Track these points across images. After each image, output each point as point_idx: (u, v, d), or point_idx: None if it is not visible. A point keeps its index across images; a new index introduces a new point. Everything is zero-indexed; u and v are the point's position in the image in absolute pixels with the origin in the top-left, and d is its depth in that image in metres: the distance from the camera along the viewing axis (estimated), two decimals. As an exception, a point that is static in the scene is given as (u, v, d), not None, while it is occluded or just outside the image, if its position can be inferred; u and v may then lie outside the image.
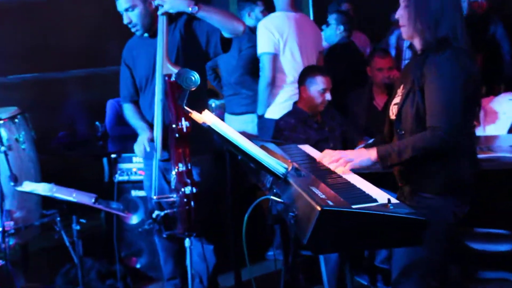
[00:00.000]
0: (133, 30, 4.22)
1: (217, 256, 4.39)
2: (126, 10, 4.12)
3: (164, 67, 3.89)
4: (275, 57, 5.34)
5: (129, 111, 4.43)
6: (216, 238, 4.37)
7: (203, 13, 3.96)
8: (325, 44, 6.36)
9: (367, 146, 3.38)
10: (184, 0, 3.95)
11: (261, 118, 5.50)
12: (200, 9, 3.95)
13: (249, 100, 5.70)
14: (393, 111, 3.17)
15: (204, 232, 4.18)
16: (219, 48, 4.14)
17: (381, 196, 2.59)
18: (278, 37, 5.30)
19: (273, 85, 5.39)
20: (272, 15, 5.49)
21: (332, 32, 6.43)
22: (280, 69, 5.40)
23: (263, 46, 5.28)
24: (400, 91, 3.15)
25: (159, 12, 3.98)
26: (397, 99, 3.15)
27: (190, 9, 3.94)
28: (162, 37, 3.96)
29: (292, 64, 5.40)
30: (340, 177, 2.92)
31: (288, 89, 5.41)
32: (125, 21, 4.16)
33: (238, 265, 3.40)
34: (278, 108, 5.35)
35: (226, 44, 4.14)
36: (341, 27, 6.34)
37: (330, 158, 3.08)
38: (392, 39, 7.00)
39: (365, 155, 3.02)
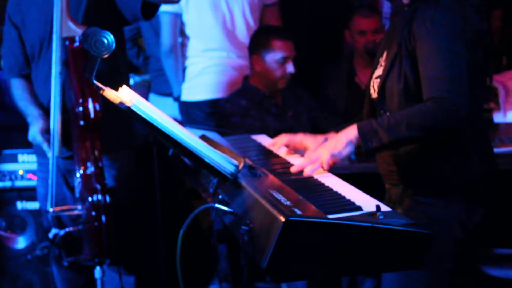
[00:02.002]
0: None
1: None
2: None
3: (64, 27, 3.86)
4: (175, 18, 5.42)
5: (17, 89, 4.37)
6: (139, 266, 4.38)
7: None
8: None
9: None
10: None
11: (178, 101, 5.60)
12: None
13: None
14: (374, 87, 3.21)
15: (122, 258, 4.19)
16: (138, 12, 4.10)
17: (367, 202, 2.61)
18: None
19: (176, 54, 5.49)
20: None
21: None
22: (185, 32, 5.50)
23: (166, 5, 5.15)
24: (382, 61, 3.19)
25: None
26: (379, 71, 3.19)
27: None
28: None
29: (201, 25, 5.46)
30: (311, 177, 2.94)
31: (199, 59, 5.48)
32: None
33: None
34: (191, 85, 5.47)
35: (150, 7, 4.11)
36: None
37: (303, 159, 3.07)
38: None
39: (342, 139, 2.96)
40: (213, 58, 5.40)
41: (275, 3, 5.72)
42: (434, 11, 2.94)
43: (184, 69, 5.52)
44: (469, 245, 3.14)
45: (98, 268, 3.75)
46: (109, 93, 2.86)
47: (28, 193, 4.87)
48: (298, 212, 2.40)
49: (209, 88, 5.38)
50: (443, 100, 2.84)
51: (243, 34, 5.41)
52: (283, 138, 3.34)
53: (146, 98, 5.79)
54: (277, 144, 3.32)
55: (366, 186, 2.89)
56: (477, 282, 4.36)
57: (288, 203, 2.50)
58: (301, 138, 3.31)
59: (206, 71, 5.39)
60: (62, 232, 3.82)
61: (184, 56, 5.52)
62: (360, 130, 2.91)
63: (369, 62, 5.29)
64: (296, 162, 3.07)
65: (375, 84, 3.20)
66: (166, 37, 5.43)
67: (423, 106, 2.88)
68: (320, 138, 3.27)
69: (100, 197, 3.67)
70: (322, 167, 2.99)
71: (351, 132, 2.94)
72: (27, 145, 4.37)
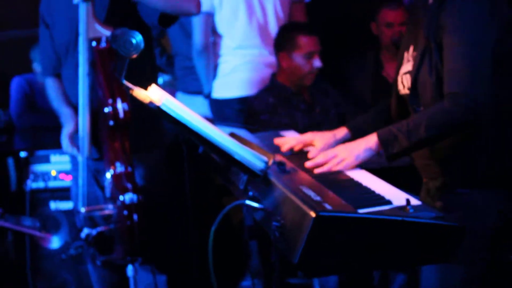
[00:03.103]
0: None
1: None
2: None
3: (90, 29, 3.86)
4: (207, 17, 5.40)
5: (51, 89, 4.38)
6: (171, 265, 4.37)
7: None
8: None
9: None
10: None
11: (209, 98, 5.59)
12: None
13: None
14: (403, 83, 3.17)
15: (153, 256, 4.19)
16: (156, 22, 4.12)
17: (397, 196, 2.58)
18: None
19: (208, 52, 5.47)
20: None
21: None
22: (221, 30, 5.48)
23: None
24: (409, 56, 3.17)
25: None
26: (407, 66, 3.15)
27: None
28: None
29: (233, 23, 5.45)
30: (340, 172, 2.92)
31: (232, 57, 5.48)
32: None
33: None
34: (224, 83, 5.46)
35: (169, 17, 4.11)
36: None
37: (322, 155, 3.05)
38: None
39: (361, 145, 2.98)
40: (245, 56, 5.40)
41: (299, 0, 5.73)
42: (463, 2, 2.90)
43: (215, 67, 5.50)
44: (508, 235, 3.09)
45: (130, 267, 3.75)
46: (139, 92, 2.86)
47: (61, 193, 4.88)
48: (328, 207, 2.37)
49: (241, 85, 5.38)
50: (460, 96, 2.81)
51: (274, 31, 5.39)
52: (291, 139, 3.33)
53: (173, 96, 5.80)
54: (285, 146, 3.30)
55: (399, 180, 2.85)
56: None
57: (318, 198, 2.47)
58: (311, 136, 3.31)
59: (238, 69, 5.40)
60: (94, 232, 3.82)
61: (215, 55, 5.50)
62: (380, 137, 2.92)
63: (395, 55, 5.27)
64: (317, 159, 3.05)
65: (403, 80, 3.16)
66: (198, 36, 5.42)
67: (440, 104, 2.86)
68: (329, 134, 3.29)
69: (131, 196, 3.66)
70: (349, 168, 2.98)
71: (371, 140, 2.96)
72: (59, 146, 4.36)
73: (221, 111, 5.36)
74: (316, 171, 2.98)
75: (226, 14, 5.41)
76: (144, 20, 4.13)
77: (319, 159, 3.01)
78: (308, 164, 3.02)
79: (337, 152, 3.00)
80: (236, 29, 5.42)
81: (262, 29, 5.43)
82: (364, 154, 2.96)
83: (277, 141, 3.28)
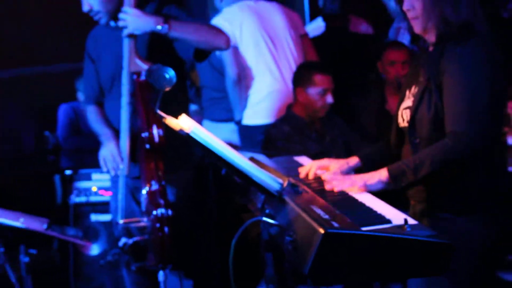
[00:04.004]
0: (95, 18, 4.21)
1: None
2: None
3: (131, 63, 3.89)
4: (235, 50, 5.41)
5: (92, 114, 4.40)
6: (197, 271, 4.37)
7: (175, 33, 3.96)
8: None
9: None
10: (151, 18, 3.95)
11: (239, 125, 5.58)
12: (171, 28, 3.93)
13: (233, 104, 5.73)
14: (403, 117, 3.18)
15: (182, 264, 4.19)
16: (190, 57, 4.19)
17: (396, 216, 2.58)
18: (233, 30, 5.36)
19: (241, 83, 5.48)
20: (226, 8, 5.61)
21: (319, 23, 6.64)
22: (245, 65, 5.49)
23: None
24: (410, 93, 3.17)
25: (123, 34, 3.97)
26: (407, 102, 3.16)
27: (159, 27, 3.92)
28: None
29: (257, 57, 5.48)
30: (346, 194, 2.92)
31: (260, 86, 5.49)
32: (85, 8, 4.15)
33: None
34: (254, 111, 5.46)
35: (203, 52, 4.16)
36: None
37: (333, 180, 3.04)
38: (400, 35, 7.01)
39: (376, 176, 2.97)
40: (269, 87, 5.41)
41: (305, 34, 5.81)
42: (462, 49, 2.91)
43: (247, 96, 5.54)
44: (489, 255, 3.08)
45: (161, 273, 3.75)
46: (171, 121, 2.87)
47: (101, 207, 4.90)
48: (336, 225, 2.39)
49: (267, 113, 5.39)
50: (461, 134, 2.83)
51: (294, 63, 5.42)
52: (311, 167, 3.31)
53: (201, 124, 5.80)
54: (309, 173, 3.30)
55: (388, 200, 2.87)
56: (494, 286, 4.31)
57: (326, 216, 2.48)
58: (326, 162, 3.31)
59: (265, 100, 5.40)
60: (130, 241, 3.83)
61: (243, 86, 5.52)
62: (390, 173, 2.93)
63: (398, 91, 5.29)
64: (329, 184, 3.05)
65: (403, 114, 3.17)
66: (230, 68, 5.43)
67: (443, 142, 2.87)
68: (342, 161, 3.30)
69: (163, 211, 3.68)
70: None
71: (382, 174, 2.95)
72: (99, 166, 4.38)
73: (250, 136, 5.37)
74: (328, 188, 3.00)
75: (248, 48, 5.43)
76: (180, 55, 4.16)
77: (337, 182, 3.01)
78: (327, 186, 3.02)
79: (354, 179, 3.00)
80: (260, 62, 5.45)
81: (282, 62, 5.46)
82: (376, 186, 2.96)
83: (301, 169, 3.27)
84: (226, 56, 5.40)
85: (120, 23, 3.96)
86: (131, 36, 3.95)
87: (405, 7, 3.09)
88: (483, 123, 2.84)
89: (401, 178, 2.91)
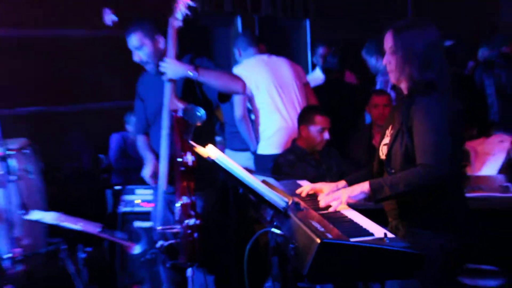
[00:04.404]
0: (145, 67, 4.27)
1: (218, 287, 4.41)
2: (136, 48, 4.17)
3: (171, 103, 3.93)
4: (246, 99, 5.44)
5: (140, 142, 4.47)
6: (218, 269, 4.37)
7: (202, 78, 4.00)
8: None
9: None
10: (184, 66, 3.99)
11: (254, 154, 5.60)
12: (199, 74, 3.96)
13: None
14: (382, 151, 3.19)
15: (206, 262, 4.19)
16: (215, 99, 4.21)
17: (377, 230, 2.60)
18: (250, 79, 5.34)
19: (246, 120, 5.52)
20: (245, 60, 5.66)
21: (319, 75, 6.76)
22: (259, 106, 5.52)
23: None
24: (388, 132, 3.19)
25: (164, 79, 4.01)
26: (386, 140, 3.18)
27: (190, 73, 3.95)
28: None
29: (270, 100, 5.50)
30: (338, 212, 2.93)
31: (271, 124, 5.51)
32: (135, 58, 4.20)
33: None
34: (267, 143, 5.48)
35: (226, 95, 4.21)
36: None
37: (326, 197, 3.06)
38: (378, 84, 7.03)
39: (358, 188, 2.98)
40: (278, 124, 5.45)
41: (306, 82, 5.83)
42: (428, 100, 2.95)
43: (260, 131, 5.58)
44: (450, 262, 3.08)
45: (189, 269, 3.75)
46: (200, 149, 2.89)
47: (143, 216, 4.90)
48: (329, 236, 2.41)
49: (277, 145, 5.42)
50: (429, 166, 2.85)
51: (298, 106, 5.45)
52: (307, 187, 3.32)
53: (223, 152, 5.80)
54: (304, 191, 3.30)
55: (373, 218, 2.88)
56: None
57: (322, 229, 2.50)
58: (320, 185, 3.31)
59: (275, 134, 5.42)
60: (166, 244, 3.84)
61: (257, 123, 5.56)
62: (371, 186, 2.95)
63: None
64: (324, 201, 3.05)
65: (383, 149, 3.19)
66: (237, 109, 5.47)
67: (415, 170, 2.89)
68: (333, 184, 3.29)
69: (193, 220, 3.68)
70: (343, 204, 2.99)
71: (364, 186, 2.96)
72: (142, 182, 4.41)
73: (262, 163, 5.39)
74: (322, 204, 3.01)
75: (263, 97, 5.46)
76: (208, 97, 4.19)
77: (328, 198, 3.02)
78: (321, 203, 3.02)
79: (340, 193, 3.02)
80: (272, 106, 5.47)
81: (290, 105, 5.48)
82: (358, 196, 2.97)
83: (298, 190, 3.26)
84: (236, 99, 5.43)
85: (161, 69, 4.00)
86: (170, 80, 3.98)
87: (383, 62, 3.15)
88: (445, 158, 2.87)
89: (379, 191, 2.92)
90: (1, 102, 5.58)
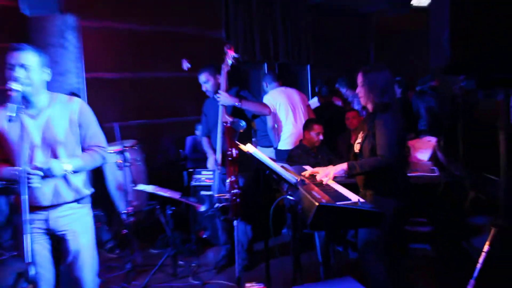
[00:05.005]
0: (208, 94, 4.29)
1: (253, 231, 4.39)
2: (204, 82, 4.20)
3: (223, 117, 3.93)
4: (273, 115, 5.38)
5: (204, 142, 4.45)
6: (253, 221, 4.35)
7: (244, 106, 4.03)
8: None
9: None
10: (232, 98, 4.00)
11: (276, 149, 5.53)
12: (242, 104, 4.00)
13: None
14: (356, 148, 3.17)
15: (245, 216, 4.19)
16: (250, 115, 4.20)
17: (353, 196, 2.56)
18: (274, 102, 5.37)
19: (275, 129, 5.43)
20: (271, 91, 5.61)
21: (316, 100, 6.66)
22: (279, 120, 5.44)
23: None
24: (360, 135, 3.16)
25: (219, 103, 3.99)
26: (359, 140, 3.16)
27: (237, 104, 3.98)
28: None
29: (286, 116, 5.43)
30: (328, 185, 2.90)
31: (287, 129, 5.43)
32: (203, 88, 4.24)
33: (266, 237, 3.39)
34: (283, 143, 5.43)
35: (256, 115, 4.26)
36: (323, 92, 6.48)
37: (320, 174, 3.04)
38: (355, 105, 6.96)
39: (340, 166, 2.99)
40: (291, 131, 5.40)
41: (308, 104, 5.73)
42: (384, 116, 2.96)
43: (280, 135, 5.50)
44: (397, 217, 3.04)
45: (235, 221, 3.74)
46: (242, 146, 2.88)
47: (206, 188, 4.90)
48: (324, 201, 2.39)
49: (290, 144, 5.35)
50: (382, 156, 2.90)
51: (303, 119, 5.39)
52: (309, 170, 3.27)
53: (256, 148, 5.79)
54: (307, 173, 3.26)
55: (349, 189, 2.83)
56: (402, 233, 4.25)
57: (318, 196, 2.48)
58: (317, 169, 3.24)
59: (291, 136, 5.38)
60: (220, 205, 3.84)
61: (279, 130, 5.50)
62: (348, 165, 2.97)
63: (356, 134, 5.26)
64: (318, 177, 3.03)
65: (357, 146, 3.17)
66: (269, 122, 5.42)
67: (375, 157, 2.93)
68: (326, 168, 3.22)
69: (236, 190, 3.67)
70: (330, 179, 2.98)
71: (344, 165, 2.98)
72: (206, 167, 4.42)
73: (281, 155, 5.34)
74: (318, 179, 2.98)
75: (282, 114, 5.43)
76: (248, 116, 4.18)
77: (321, 176, 3.01)
78: (317, 178, 3.01)
79: (329, 170, 3.01)
80: (288, 119, 5.42)
81: (299, 119, 5.44)
82: (340, 172, 2.99)
83: (303, 172, 3.22)
84: (267, 119, 5.41)
85: (217, 98, 3.99)
86: (223, 105, 3.98)
87: (356, 91, 3.13)
88: (392, 151, 2.89)
89: (352, 170, 2.94)
90: (120, 118, 5.63)
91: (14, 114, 2.34)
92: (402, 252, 4.36)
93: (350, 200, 2.51)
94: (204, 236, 5.11)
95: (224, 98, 3.95)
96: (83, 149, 2.75)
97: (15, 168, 2.49)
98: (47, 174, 2.49)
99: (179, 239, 4.82)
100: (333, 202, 2.41)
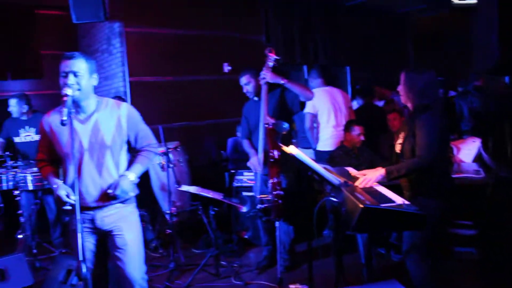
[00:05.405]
0: (248, 95, 4.28)
1: (295, 233, 4.35)
2: (245, 84, 4.21)
3: (264, 119, 3.91)
4: (312, 115, 5.34)
5: (245, 143, 4.41)
6: (295, 222, 4.32)
7: (289, 85, 3.96)
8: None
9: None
10: (278, 76, 3.94)
11: (315, 150, 5.49)
12: (287, 83, 3.94)
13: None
14: (397, 148, 3.14)
15: (287, 218, 4.17)
16: (298, 107, 4.13)
17: (397, 198, 2.54)
18: (316, 102, 5.24)
19: (312, 130, 5.39)
20: (314, 89, 5.52)
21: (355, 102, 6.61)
22: (320, 120, 5.39)
23: (307, 108, 5.21)
24: (401, 136, 3.13)
25: (262, 82, 3.95)
26: (400, 140, 3.13)
27: (282, 82, 3.92)
28: (263, 101, 3.96)
29: (328, 117, 5.36)
30: (372, 187, 2.86)
31: (327, 131, 5.37)
32: (244, 90, 4.24)
33: (310, 238, 3.35)
34: (323, 144, 5.37)
35: (302, 105, 4.14)
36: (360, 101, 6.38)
37: (360, 182, 2.97)
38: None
39: (379, 171, 2.95)
40: (332, 131, 5.34)
41: (351, 106, 5.66)
42: (425, 116, 2.94)
43: (319, 135, 5.46)
44: (441, 219, 2.98)
45: (277, 222, 3.74)
46: (286, 149, 2.87)
47: (248, 189, 4.92)
48: (368, 202, 2.37)
49: (331, 145, 5.29)
50: (420, 157, 2.88)
51: (344, 121, 5.31)
52: (355, 172, 3.24)
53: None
54: (354, 174, 3.23)
55: (393, 189, 2.80)
56: (445, 235, 4.15)
57: (362, 198, 2.46)
58: (364, 171, 3.21)
59: (331, 137, 5.33)
60: (262, 206, 3.83)
61: (318, 131, 5.44)
62: (386, 170, 2.93)
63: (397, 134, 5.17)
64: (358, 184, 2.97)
65: (398, 147, 3.14)
66: (307, 122, 5.38)
67: (413, 159, 2.92)
68: (365, 172, 3.18)
69: (279, 192, 3.66)
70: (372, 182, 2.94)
71: (382, 171, 2.94)
72: (247, 168, 4.42)
73: (320, 156, 5.28)
74: (361, 185, 2.92)
75: (322, 116, 5.39)
76: (291, 107, 4.12)
77: (363, 179, 2.96)
78: (357, 183, 2.95)
79: (370, 175, 2.96)
80: (330, 121, 5.37)
81: (340, 119, 5.38)
82: (378, 177, 2.94)
83: (353, 173, 3.20)
84: (306, 118, 5.37)
85: (261, 76, 3.95)
86: (266, 83, 3.93)
87: (398, 89, 3.11)
88: (431, 151, 2.86)
89: (390, 174, 2.91)
90: (163, 120, 5.73)
91: (66, 118, 2.41)
92: (446, 254, 4.26)
93: (394, 202, 2.47)
94: (246, 236, 5.12)
95: (268, 75, 3.93)
96: (136, 150, 2.83)
97: (54, 181, 2.68)
98: (122, 196, 2.69)
99: (221, 239, 4.85)
100: (378, 204, 2.38)
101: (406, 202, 2.46)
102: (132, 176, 2.72)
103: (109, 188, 2.67)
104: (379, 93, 7.05)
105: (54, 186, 2.63)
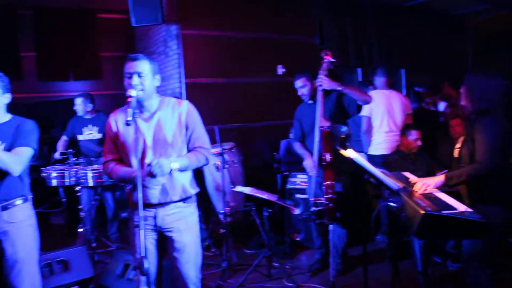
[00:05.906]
0: (302, 98, 4.27)
1: (348, 237, 4.30)
2: (300, 87, 4.20)
3: (320, 122, 3.90)
4: (368, 118, 5.26)
5: (297, 146, 4.37)
6: (348, 226, 4.28)
7: (346, 90, 3.94)
8: None
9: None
10: (335, 82, 3.93)
11: (367, 154, 5.41)
12: (344, 89, 3.92)
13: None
14: (455, 153, 3.09)
15: (341, 221, 4.13)
16: (355, 110, 4.09)
17: (458, 205, 2.49)
18: (372, 106, 5.09)
19: (369, 133, 5.30)
20: (372, 91, 5.42)
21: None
22: (374, 125, 5.30)
23: (364, 111, 5.09)
24: (460, 141, 3.07)
25: (319, 88, 3.93)
26: (458, 145, 3.08)
27: (339, 88, 3.91)
28: (319, 103, 3.93)
29: (381, 121, 5.26)
30: (431, 193, 2.81)
31: (380, 135, 5.28)
32: (299, 93, 4.24)
33: (365, 242, 3.32)
34: (375, 148, 5.28)
35: (359, 108, 4.09)
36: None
37: (419, 186, 2.92)
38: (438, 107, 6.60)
39: (438, 179, 2.89)
40: (385, 136, 5.25)
41: (410, 113, 5.47)
42: (485, 121, 2.87)
43: (372, 140, 5.38)
44: (501, 228, 2.89)
45: (330, 225, 3.73)
46: (344, 152, 2.86)
47: (301, 191, 4.90)
48: (429, 209, 2.33)
49: (385, 149, 5.20)
50: (479, 162, 2.81)
51: (399, 126, 5.19)
52: (415, 179, 3.15)
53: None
54: (413, 180, 3.16)
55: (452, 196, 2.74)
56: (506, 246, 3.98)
57: (423, 204, 2.42)
58: (422, 179, 3.14)
59: (384, 142, 5.24)
60: (316, 209, 3.83)
61: (371, 134, 5.37)
62: (445, 177, 2.88)
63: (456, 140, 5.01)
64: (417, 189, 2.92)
65: (456, 151, 3.09)
66: (363, 126, 5.32)
67: (472, 165, 2.85)
68: (424, 179, 3.08)
69: (332, 195, 3.64)
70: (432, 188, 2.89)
71: (441, 178, 2.89)
72: (300, 170, 4.41)
73: (372, 160, 5.19)
74: (420, 190, 2.87)
75: (376, 119, 5.31)
76: (348, 110, 4.08)
77: (421, 184, 2.91)
78: (415, 188, 2.90)
79: (430, 181, 2.90)
80: (383, 124, 5.28)
81: (395, 124, 5.28)
82: (438, 184, 2.89)
83: (411, 179, 3.12)
84: (363, 120, 5.30)
85: (317, 83, 3.94)
86: (322, 90, 3.91)
87: (460, 90, 3.04)
88: (491, 156, 2.79)
89: (450, 180, 2.86)
90: (218, 121, 5.81)
91: (130, 118, 2.49)
92: (507, 264, 4.11)
93: (456, 209, 2.42)
94: (298, 238, 5.11)
95: (326, 81, 3.92)
96: (188, 150, 2.87)
97: (132, 169, 2.71)
98: (156, 171, 2.63)
99: (273, 240, 4.86)
100: (439, 210, 2.33)
101: (469, 210, 2.40)
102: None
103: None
104: (446, 93, 6.82)
105: (133, 174, 2.67)
